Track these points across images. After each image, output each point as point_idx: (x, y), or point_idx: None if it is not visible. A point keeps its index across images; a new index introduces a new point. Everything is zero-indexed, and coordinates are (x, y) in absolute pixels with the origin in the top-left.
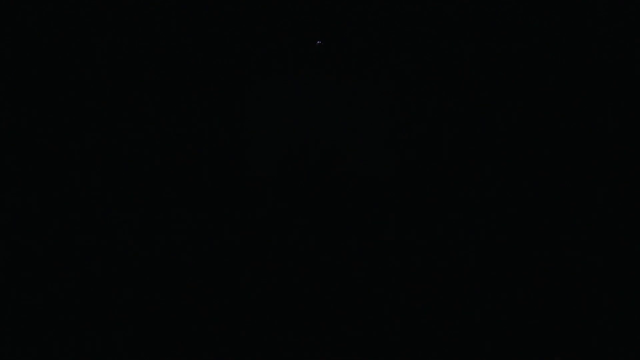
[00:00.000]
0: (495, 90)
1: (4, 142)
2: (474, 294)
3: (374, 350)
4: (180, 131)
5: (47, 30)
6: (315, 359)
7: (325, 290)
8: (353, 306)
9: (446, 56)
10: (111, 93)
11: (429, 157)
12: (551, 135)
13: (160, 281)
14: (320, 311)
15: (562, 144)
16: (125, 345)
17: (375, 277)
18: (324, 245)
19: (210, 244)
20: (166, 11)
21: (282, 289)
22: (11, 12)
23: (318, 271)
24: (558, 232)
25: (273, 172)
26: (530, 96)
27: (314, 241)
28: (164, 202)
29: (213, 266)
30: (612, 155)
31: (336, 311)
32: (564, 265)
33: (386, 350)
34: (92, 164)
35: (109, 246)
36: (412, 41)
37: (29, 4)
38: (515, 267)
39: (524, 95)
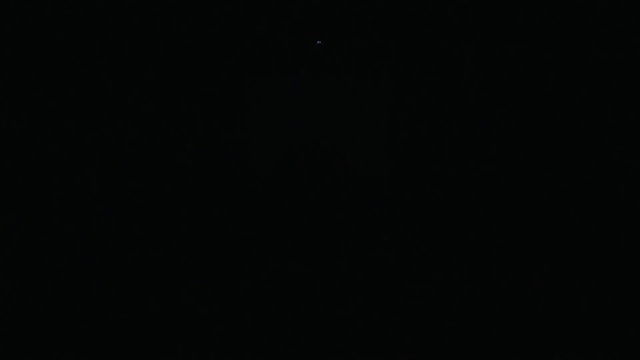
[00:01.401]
0: (495, 90)
1: (3, 142)
2: (474, 294)
3: (374, 350)
4: (181, 131)
5: (47, 30)
6: (316, 359)
7: (325, 290)
8: (353, 306)
9: (446, 56)
10: (111, 93)
11: (429, 157)
12: (551, 135)
13: (160, 281)
14: (320, 311)
15: (562, 144)
16: (125, 345)
17: (375, 277)
18: (324, 245)
19: (210, 244)
20: (166, 11)
21: (282, 289)
22: (11, 12)
23: (318, 271)
24: (558, 232)
25: (273, 172)
26: (530, 96)
27: (314, 241)
28: (164, 202)
29: (213, 266)
30: (612, 155)
31: (336, 311)
32: (564, 265)
33: (386, 350)
34: (93, 164)
35: (109, 246)
36: (412, 41)
37: (29, 4)
38: (515, 267)
39: (524, 95)
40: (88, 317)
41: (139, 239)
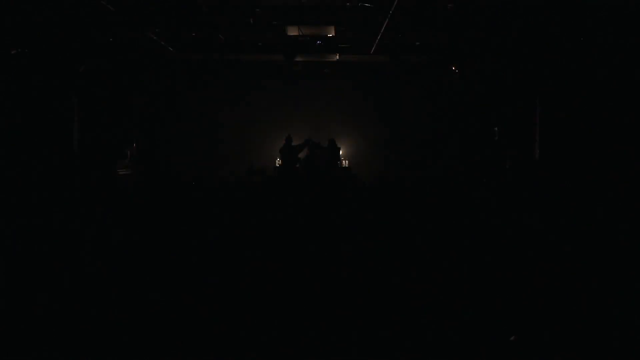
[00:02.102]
0: (495, 90)
1: (3, 142)
2: (474, 294)
3: (374, 350)
4: (179, 131)
5: (47, 30)
6: (315, 359)
7: (325, 290)
8: (353, 306)
9: (447, 56)
10: (110, 93)
11: (429, 157)
12: (551, 136)
13: (160, 281)
14: (320, 311)
15: (562, 144)
16: (125, 345)
17: (375, 277)
18: (324, 245)
19: (210, 244)
20: (166, 11)
21: (282, 289)
22: (11, 12)
23: (318, 271)
24: (558, 232)
25: (272, 172)
26: (530, 97)
27: (314, 241)
28: (164, 202)
29: (213, 266)
30: (612, 155)
31: (336, 311)
32: (564, 265)
33: (386, 350)
34: (93, 164)
35: (109, 246)
36: (413, 41)
37: (29, 4)
38: (515, 267)
39: (524, 96)
40: (88, 317)
41: (139, 239)
